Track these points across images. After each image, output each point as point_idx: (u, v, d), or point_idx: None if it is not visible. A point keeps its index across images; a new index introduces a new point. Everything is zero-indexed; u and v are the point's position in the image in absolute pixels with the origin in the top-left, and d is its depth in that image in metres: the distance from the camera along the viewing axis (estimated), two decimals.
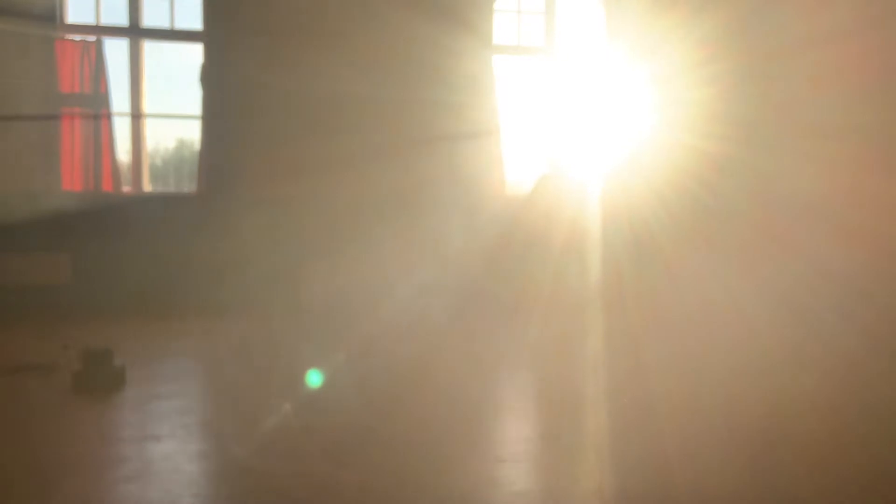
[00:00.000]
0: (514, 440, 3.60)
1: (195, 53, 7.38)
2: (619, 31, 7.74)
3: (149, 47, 7.53)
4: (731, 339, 5.35)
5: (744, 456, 3.16)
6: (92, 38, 7.18)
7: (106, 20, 7.38)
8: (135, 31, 7.39)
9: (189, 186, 7.86)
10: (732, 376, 4.53)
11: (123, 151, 7.48)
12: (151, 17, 7.44)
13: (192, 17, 7.42)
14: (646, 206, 6.67)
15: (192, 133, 7.43)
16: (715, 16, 6.67)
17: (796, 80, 6.54)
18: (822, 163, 6.26)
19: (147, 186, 7.61)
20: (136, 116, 7.47)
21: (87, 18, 7.31)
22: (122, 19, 7.35)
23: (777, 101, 6.62)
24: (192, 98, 7.43)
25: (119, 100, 7.33)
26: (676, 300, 6.04)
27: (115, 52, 7.39)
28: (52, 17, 7.04)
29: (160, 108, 7.58)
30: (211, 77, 7.26)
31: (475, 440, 3.46)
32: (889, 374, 4.65)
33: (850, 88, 6.28)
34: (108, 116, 7.21)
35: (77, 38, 7.12)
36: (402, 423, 3.68)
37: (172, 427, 3.63)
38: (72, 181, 7.14)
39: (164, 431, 3.56)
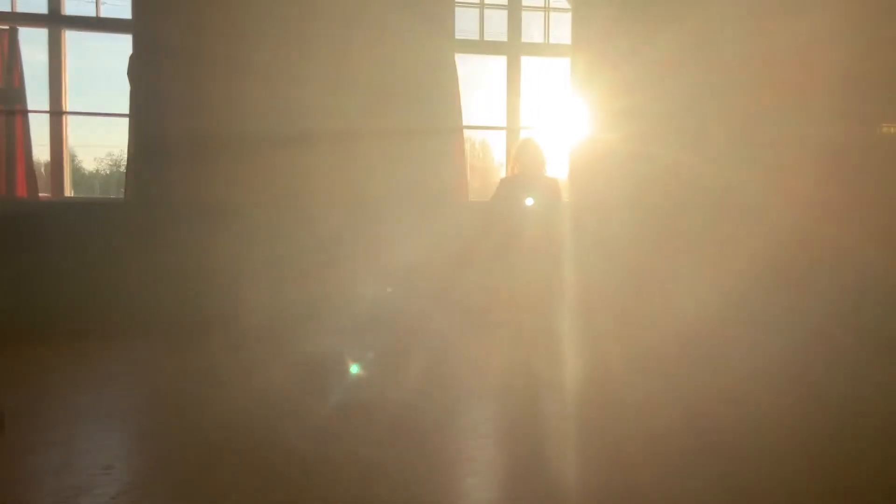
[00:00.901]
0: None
1: (124, 45, 6.64)
2: (584, 36, 7.24)
3: (71, 38, 6.78)
4: (686, 336, 6.03)
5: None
6: (5, 26, 6.41)
7: (22, 7, 6.62)
8: (55, 20, 6.64)
9: (116, 193, 7.08)
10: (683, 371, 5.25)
11: (41, 153, 6.72)
12: (74, 4, 6.71)
13: (120, 4, 6.71)
14: (610, 210, 6.91)
15: (121, 133, 6.69)
16: (674, 33, 7.03)
17: (747, 95, 7.03)
18: (769, 171, 6.86)
19: (68, 192, 6.84)
20: (57, 114, 6.70)
21: (1, 5, 6.54)
22: (41, 6, 6.60)
23: (729, 114, 7.08)
24: (120, 95, 6.70)
25: (36, 96, 6.58)
26: (639, 299, 6.59)
27: (32, 42, 6.65)
28: None
29: (84, 105, 6.86)
30: (141, 71, 6.52)
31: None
32: (825, 356, 5.72)
33: (795, 103, 6.97)
34: (23, 113, 6.43)
35: None
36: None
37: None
38: None
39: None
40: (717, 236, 6.93)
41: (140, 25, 6.53)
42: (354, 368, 5.09)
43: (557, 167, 7.21)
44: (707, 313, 6.23)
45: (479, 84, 7.70)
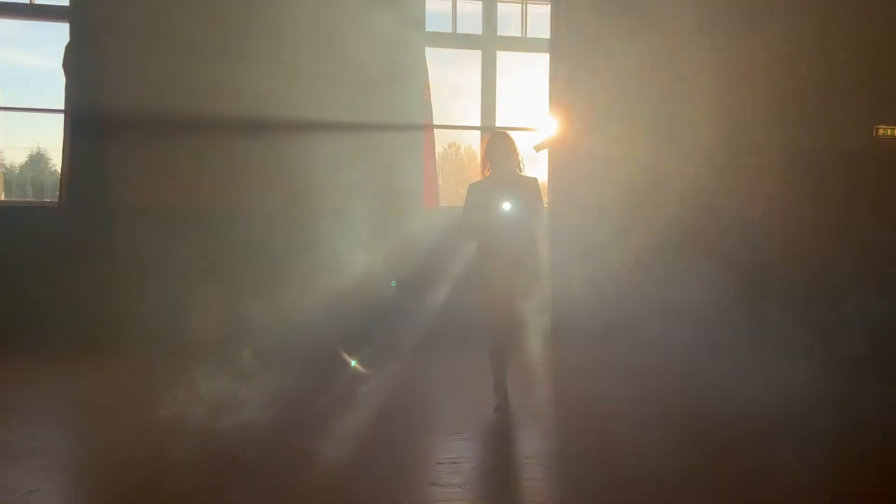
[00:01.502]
0: None
1: (61, 34, 6.03)
2: (564, 30, 6.77)
3: (2, 25, 6.16)
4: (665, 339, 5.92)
5: None
6: None
7: None
8: None
9: (51, 196, 6.45)
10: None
11: None
12: None
13: None
14: (590, 215, 6.63)
15: (56, 131, 6.07)
16: (651, 41, 6.80)
17: (720, 103, 6.95)
18: (743, 176, 6.97)
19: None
20: None
21: None
22: None
23: (706, 120, 6.90)
24: (55, 89, 6.09)
25: None
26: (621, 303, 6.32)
27: None
28: None
29: (14, 100, 6.22)
30: (78, 63, 5.92)
31: None
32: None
33: (763, 112, 7.08)
34: None
35: None
36: None
37: None
38: None
39: None
40: (698, 241, 6.74)
41: (77, 13, 5.93)
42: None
43: (535, 166, 6.69)
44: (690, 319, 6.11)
45: (460, 89, 7.18)
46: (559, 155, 6.83)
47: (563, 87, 6.79)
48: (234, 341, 5.34)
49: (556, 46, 6.89)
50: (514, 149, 4.33)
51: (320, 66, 6.13)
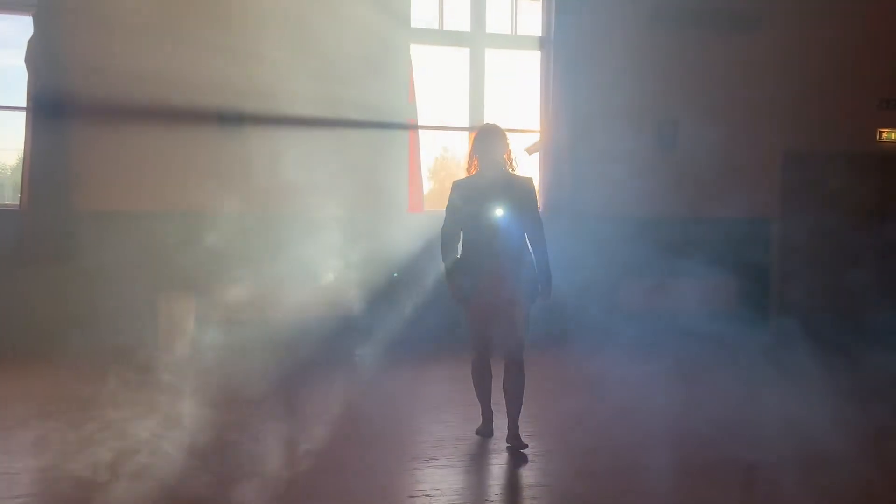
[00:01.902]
0: None
1: (24, 27, 5.69)
2: (558, 28, 6.50)
3: None
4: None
5: None
6: None
7: None
8: None
9: (12, 198, 6.11)
10: None
11: None
12: None
13: None
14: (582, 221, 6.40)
15: (17, 130, 5.74)
16: (650, 37, 6.63)
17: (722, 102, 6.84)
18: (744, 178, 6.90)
19: None
20: None
21: None
22: None
23: (709, 120, 6.74)
24: (18, 85, 5.76)
25: None
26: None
27: None
28: None
29: None
30: (41, 55, 5.58)
31: None
32: None
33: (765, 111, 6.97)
34: None
35: None
36: None
37: None
38: None
39: None
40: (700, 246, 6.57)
41: (42, 6, 5.60)
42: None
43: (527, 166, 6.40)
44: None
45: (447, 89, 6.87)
46: (551, 158, 6.54)
47: (555, 86, 6.51)
48: (196, 354, 5.01)
49: (547, 44, 6.62)
50: (506, 143, 3.76)
51: (298, 59, 5.82)
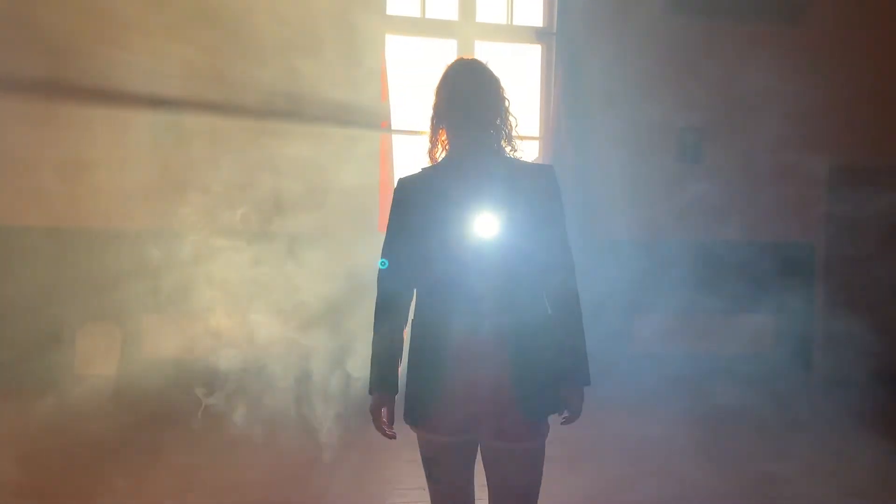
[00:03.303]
0: None
1: None
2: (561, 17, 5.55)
3: None
4: None
5: None
6: None
7: None
8: None
9: None
10: None
11: None
12: None
13: None
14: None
15: None
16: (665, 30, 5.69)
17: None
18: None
19: None
20: None
21: None
22: None
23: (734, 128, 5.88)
24: None
25: None
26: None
27: None
28: None
29: None
30: None
31: None
32: None
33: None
34: None
35: None
36: None
37: None
38: None
39: None
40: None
41: None
42: None
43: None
44: None
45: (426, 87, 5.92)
46: (552, 163, 5.54)
47: (557, 86, 5.56)
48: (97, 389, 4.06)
49: (548, 36, 5.66)
50: (501, 100, 2.08)
51: (245, 45, 4.91)
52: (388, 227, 2.12)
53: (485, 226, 1.98)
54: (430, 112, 2.14)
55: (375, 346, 2.09)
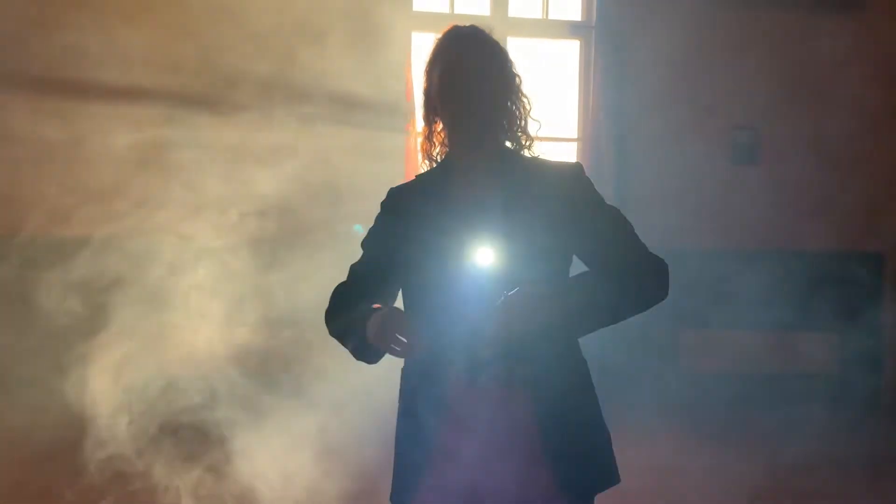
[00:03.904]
0: None
1: None
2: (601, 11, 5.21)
3: None
4: None
5: None
6: None
7: None
8: None
9: None
10: None
11: None
12: None
13: None
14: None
15: None
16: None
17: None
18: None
19: None
20: None
21: None
22: None
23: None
24: None
25: None
26: None
27: None
28: None
29: None
30: None
31: None
32: None
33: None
34: None
35: None
36: None
37: None
38: None
39: None
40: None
41: None
42: None
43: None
44: None
45: None
46: (592, 174, 5.18)
47: (598, 83, 5.22)
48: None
49: (587, 30, 5.32)
50: (511, 74, 1.70)
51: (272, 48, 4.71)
52: (364, 242, 1.77)
53: (496, 257, 1.52)
54: (420, 97, 1.73)
55: (341, 324, 1.60)
